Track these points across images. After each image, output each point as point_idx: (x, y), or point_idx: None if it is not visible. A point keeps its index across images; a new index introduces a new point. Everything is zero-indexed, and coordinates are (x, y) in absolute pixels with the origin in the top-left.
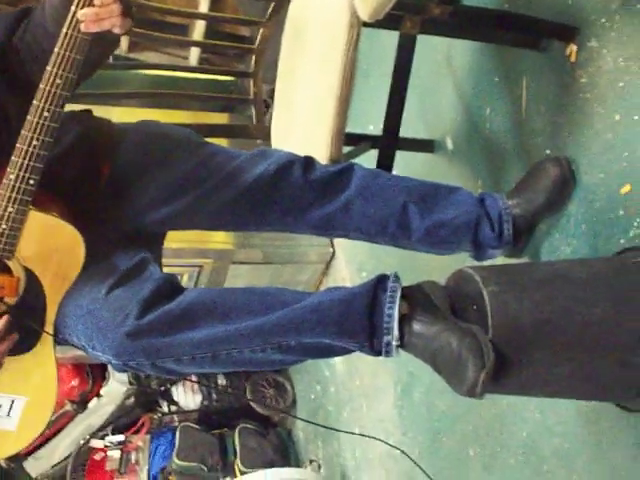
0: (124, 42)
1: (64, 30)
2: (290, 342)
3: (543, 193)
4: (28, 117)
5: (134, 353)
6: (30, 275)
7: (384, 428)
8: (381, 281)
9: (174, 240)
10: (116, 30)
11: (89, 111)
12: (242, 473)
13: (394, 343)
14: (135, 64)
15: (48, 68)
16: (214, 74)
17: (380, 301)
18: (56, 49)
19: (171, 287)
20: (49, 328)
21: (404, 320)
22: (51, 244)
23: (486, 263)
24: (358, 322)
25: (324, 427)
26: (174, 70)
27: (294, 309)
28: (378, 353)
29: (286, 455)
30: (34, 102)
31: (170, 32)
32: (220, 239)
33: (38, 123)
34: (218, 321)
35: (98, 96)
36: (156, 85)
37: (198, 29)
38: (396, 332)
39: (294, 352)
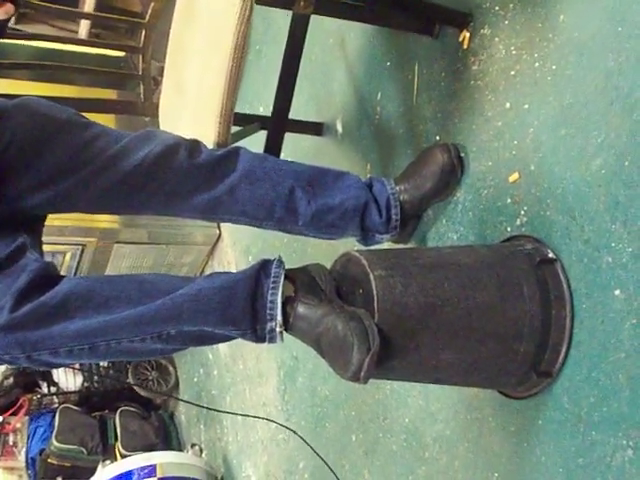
0: None
1: None
2: (170, 331)
3: (431, 179)
4: None
5: (8, 347)
6: None
7: (267, 412)
8: (264, 266)
9: (58, 217)
10: None
11: None
12: (123, 456)
13: (278, 330)
14: (22, 34)
15: None
16: (103, 48)
17: (262, 287)
18: None
19: (47, 277)
20: None
21: (288, 302)
22: None
23: (373, 248)
24: (240, 310)
25: (207, 408)
26: (62, 42)
27: (173, 297)
28: (262, 340)
29: (168, 438)
30: None
31: (60, 4)
32: (105, 218)
33: None
34: (95, 311)
35: None
36: (43, 58)
37: (88, 2)
38: (279, 318)
39: (175, 341)
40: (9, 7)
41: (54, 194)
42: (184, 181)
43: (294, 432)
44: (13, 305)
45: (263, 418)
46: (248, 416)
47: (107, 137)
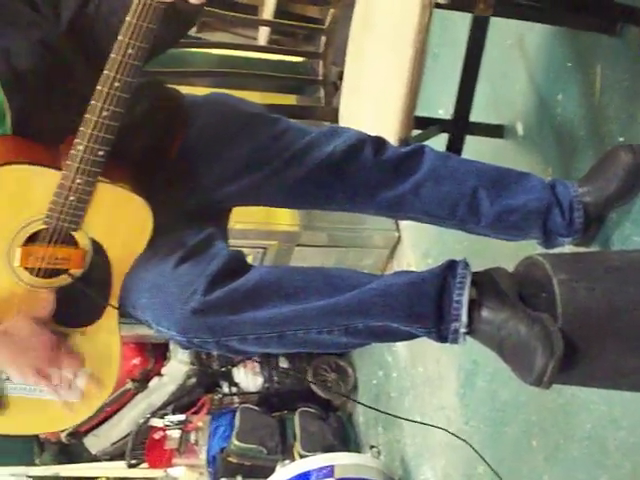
0: None
1: None
2: (357, 325)
3: (615, 181)
4: (98, 87)
5: (199, 330)
6: (97, 247)
7: (446, 416)
8: (451, 267)
9: (239, 221)
10: None
11: (160, 80)
12: (301, 456)
13: (462, 330)
14: (204, 42)
15: (120, 37)
16: (283, 54)
17: (449, 287)
18: (128, 18)
19: (238, 264)
20: (114, 301)
21: (472, 306)
22: (119, 216)
23: (554, 251)
24: (426, 307)
25: (385, 413)
26: (242, 49)
27: (362, 291)
28: (445, 339)
29: (346, 440)
30: (105, 72)
31: (240, 12)
32: (286, 221)
33: (108, 93)
34: (285, 301)
35: (166, 74)
36: (224, 65)
37: (267, 9)
38: (464, 319)
39: (360, 335)
40: None
41: (243, 186)
42: (369, 177)
43: (465, 441)
44: (206, 289)
45: (437, 427)
46: (424, 424)
47: (295, 131)
